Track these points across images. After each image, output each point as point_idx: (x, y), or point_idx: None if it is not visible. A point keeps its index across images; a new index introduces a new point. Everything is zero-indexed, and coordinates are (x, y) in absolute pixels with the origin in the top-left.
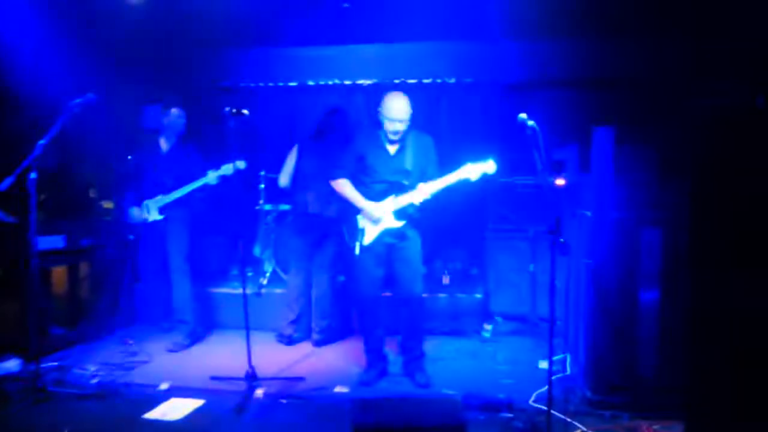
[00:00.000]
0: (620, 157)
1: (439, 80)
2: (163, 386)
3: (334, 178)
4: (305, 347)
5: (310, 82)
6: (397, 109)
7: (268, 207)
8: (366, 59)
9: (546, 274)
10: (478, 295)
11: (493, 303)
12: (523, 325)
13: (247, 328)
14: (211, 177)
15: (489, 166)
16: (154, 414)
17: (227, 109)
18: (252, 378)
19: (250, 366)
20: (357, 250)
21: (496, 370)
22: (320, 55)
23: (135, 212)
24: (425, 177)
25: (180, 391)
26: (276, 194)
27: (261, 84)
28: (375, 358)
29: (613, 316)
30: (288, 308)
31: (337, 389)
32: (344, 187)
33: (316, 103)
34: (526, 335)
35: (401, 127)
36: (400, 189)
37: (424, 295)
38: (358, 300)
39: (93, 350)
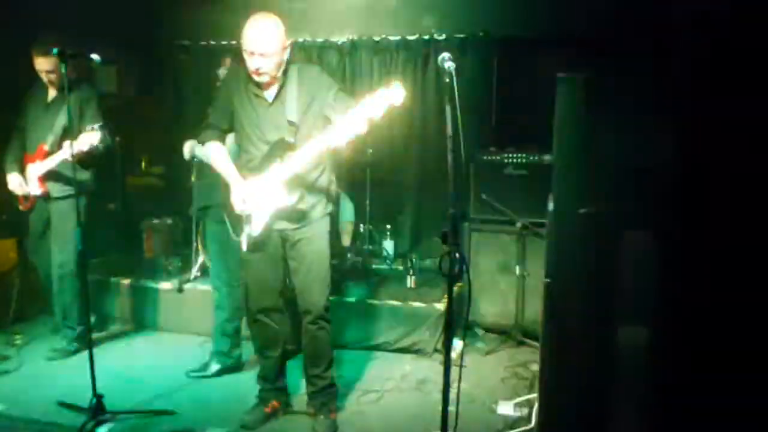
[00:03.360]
0: (596, 121)
1: (426, 36)
2: None
3: (202, 140)
4: None
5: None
6: (252, 37)
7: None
8: (341, 12)
9: (537, 278)
10: (439, 306)
11: (472, 311)
12: (504, 342)
13: (90, 349)
14: (66, 151)
15: (394, 94)
16: None
17: (56, 49)
18: (96, 411)
19: (95, 395)
20: (244, 245)
21: (439, 412)
22: (290, 8)
23: (13, 181)
24: (319, 124)
25: (9, 420)
26: None
27: (224, 42)
28: (269, 387)
29: (576, 359)
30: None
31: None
32: (212, 154)
33: None
34: (504, 356)
35: (264, 65)
36: (285, 150)
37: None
38: (247, 312)
39: None
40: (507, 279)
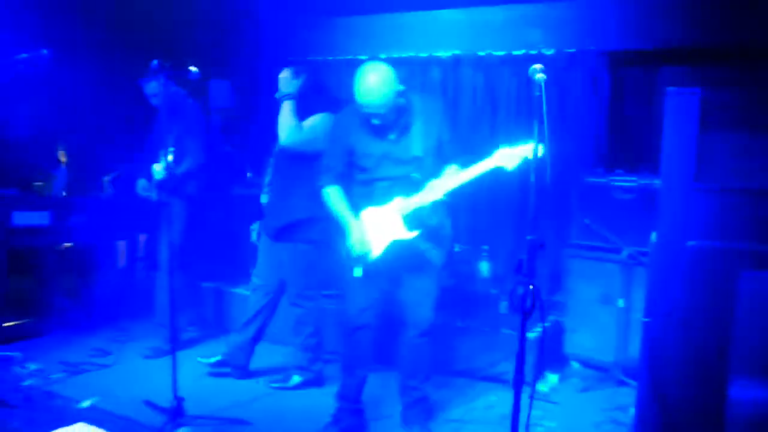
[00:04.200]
0: (712, 141)
1: (533, 51)
2: (85, 404)
3: (321, 184)
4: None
5: (382, 56)
6: (365, 89)
7: None
8: (444, 27)
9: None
10: (532, 334)
11: (568, 343)
12: (602, 380)
13: (173, 348)
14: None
15: (529, 150)
16: None
17: (155, 62)
18: (176, 413)
19: (176, 397)
20: (357, 271)
21: None
22: (393, 23)
23: (140, 185)
24: (443, 161)
25: (98, 413)
26: None
27: (329, 58)
28: (346, 407)
29: (676, 413)
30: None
31: None
32: (330, 199)
33: None
34: (602, 396)
35: (379, 114)
36: (410, 185)
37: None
38: (343, 326)
39: (70, 341)
40: (609, 311)
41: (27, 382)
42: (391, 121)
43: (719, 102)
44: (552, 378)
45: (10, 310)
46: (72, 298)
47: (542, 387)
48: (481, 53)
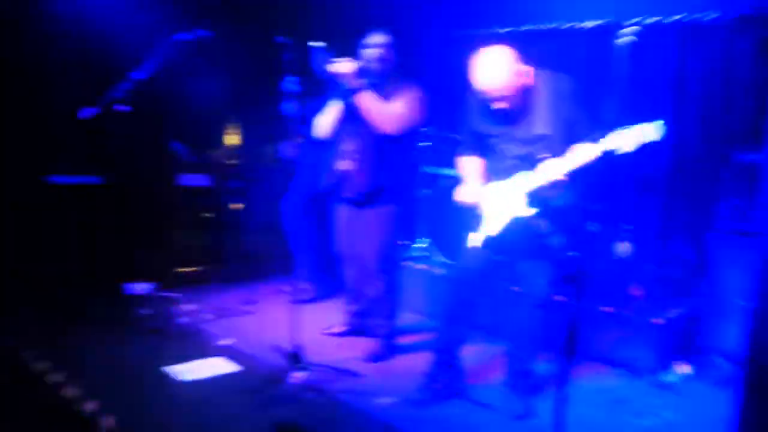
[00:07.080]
0: None
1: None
2: (223, 342)
3: (457, 154)
4: None
5: (522, 28)
6: (479, 76)
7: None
8: None
9: None
10: (659, 320)
11: (710, 335)
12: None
13: (296, 301)
14: None
15: (650, 132)
16: (180, 367)
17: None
18: (294, 360)
19: (296, 345)
20: (473, 241)
21: None
22: None
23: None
24: (574, 138)
25: (233, 351)
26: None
27: (467, 31)
28: (443, 360)
29: None
30: None
31: (382, 399)
32: (462, 167)
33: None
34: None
35: (498, 99)
36: (534, 164)
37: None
38: (450, 278)
39: (227, 290)
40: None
41: (182, 319)
42: (513, 103)
43: None
44: (681, 369)
45: (182, 260)
46: (238, 254)
47: (670, 377)
48: (630, 22)
